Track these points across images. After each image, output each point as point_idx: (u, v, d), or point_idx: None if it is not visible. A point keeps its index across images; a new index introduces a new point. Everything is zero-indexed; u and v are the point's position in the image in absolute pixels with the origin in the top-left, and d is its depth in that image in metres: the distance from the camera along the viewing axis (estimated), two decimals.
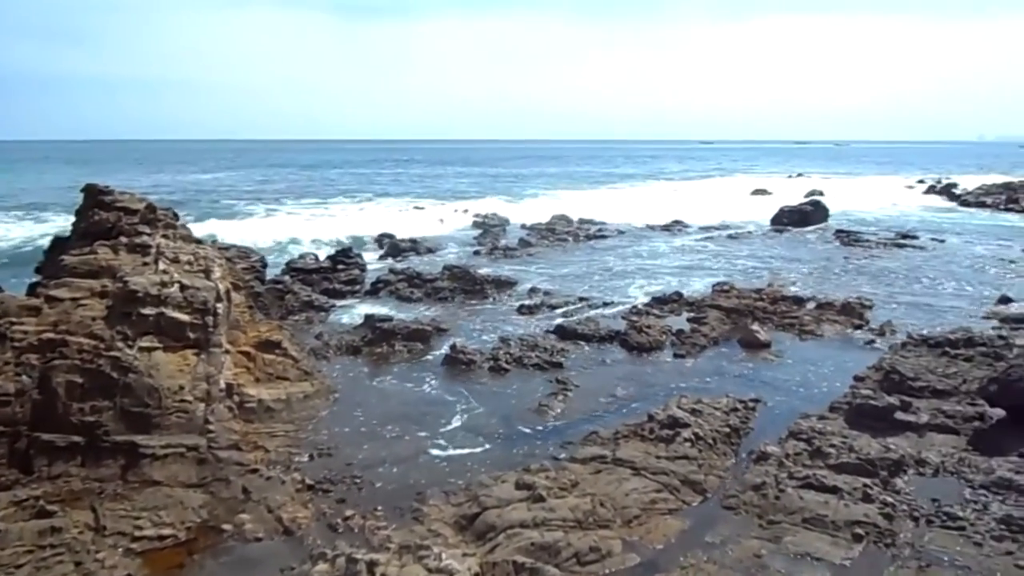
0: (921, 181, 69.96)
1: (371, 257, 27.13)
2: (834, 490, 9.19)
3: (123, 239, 11.60)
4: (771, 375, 14.38)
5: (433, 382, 13.86)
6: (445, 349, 15.14)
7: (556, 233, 34.18)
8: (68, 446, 8.94)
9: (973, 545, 8.13)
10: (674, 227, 37.44)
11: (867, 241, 31.75)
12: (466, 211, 42.33)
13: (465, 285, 21.39)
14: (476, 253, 29.29)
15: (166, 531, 8.32)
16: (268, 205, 46.74)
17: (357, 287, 21.70)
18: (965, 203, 51.53)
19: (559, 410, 12.38)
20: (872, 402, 11.63)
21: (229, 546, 8.28)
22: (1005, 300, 19.97)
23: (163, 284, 10.65)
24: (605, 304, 19.88)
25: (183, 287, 10.81)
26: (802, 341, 16.70)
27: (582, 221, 38.47)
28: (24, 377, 9.13)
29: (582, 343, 16.24)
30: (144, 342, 10.07)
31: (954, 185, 60.50)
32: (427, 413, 12.16)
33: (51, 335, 9.50)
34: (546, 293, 20.94)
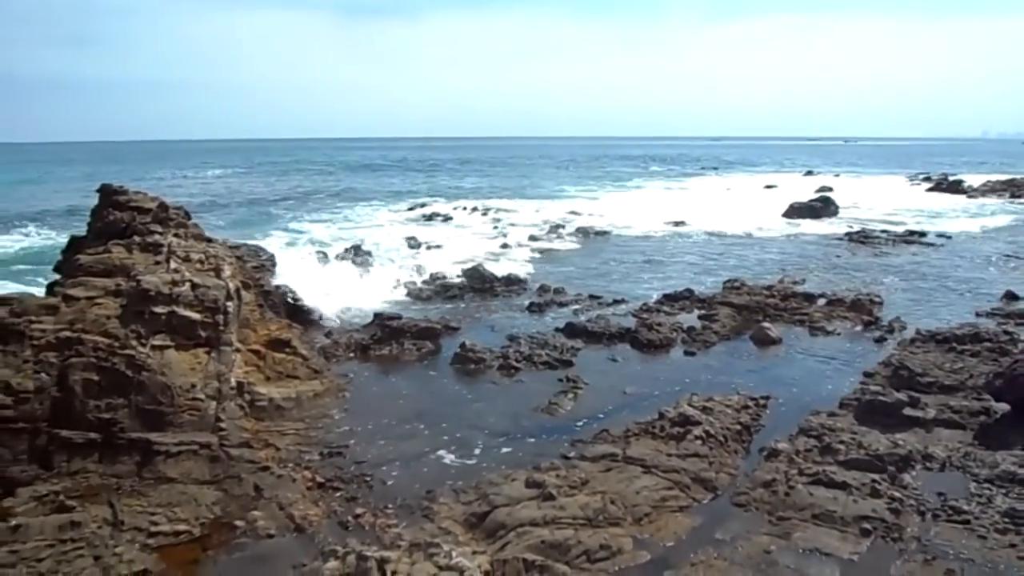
0: (928, 177, 69.52)
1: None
2: (843, 486, 9.22)
3: (136, 238, 11.69)
4: (782, 371, 14.39)
5: (443, 380, 13.92)
6: (455, 348, 15.19)
7: (567, 231, 34.22)
8: (86, 443, 9.04)
9: (978, 538, 8.18)
10: (684, 224, 37.31)
11: (876, 238, 31.68)
12: (475, 209, 42.30)
13: (475, 283, 21.45)
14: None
15: (181, 527, 8.42)
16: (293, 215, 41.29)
17: None
18: (971, 199, 51.33)
19: (569, 408, 12.42)
20: (881, 398, 11.65)
21: (242, 542, 8.36)
22: (1011, 296, 19.91)
23: (174, 283, 10.72)
24: (615, 302, 19.89)
25: (194, 286, 10.88)
26: (812, 337, 16.71)
27: (592, 219, 38.44)
28: (43, 375, 9.21)
29: (592, 341, 16.27)
30: (156, 340, 10.15)
31: (960, 182, 60.22)
32: (437, 412, 12.20)
33: (68, 333, 9.58)
34: (556, 291, 20.97)
